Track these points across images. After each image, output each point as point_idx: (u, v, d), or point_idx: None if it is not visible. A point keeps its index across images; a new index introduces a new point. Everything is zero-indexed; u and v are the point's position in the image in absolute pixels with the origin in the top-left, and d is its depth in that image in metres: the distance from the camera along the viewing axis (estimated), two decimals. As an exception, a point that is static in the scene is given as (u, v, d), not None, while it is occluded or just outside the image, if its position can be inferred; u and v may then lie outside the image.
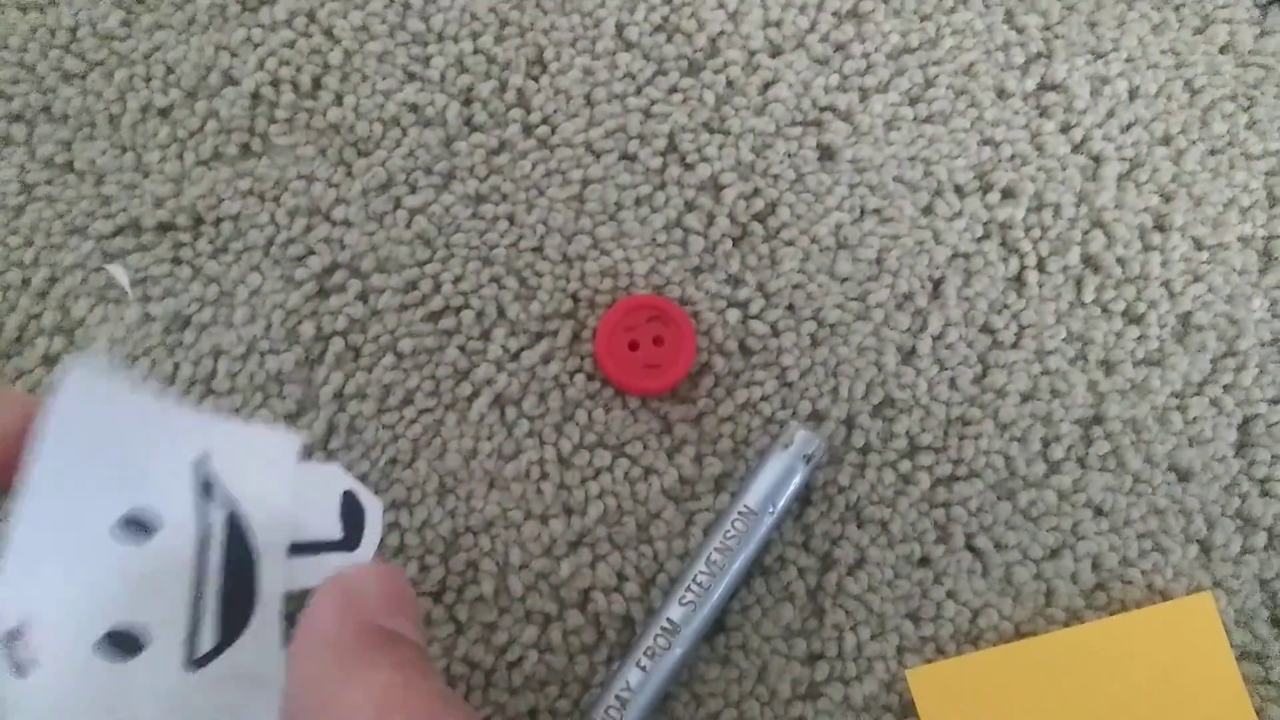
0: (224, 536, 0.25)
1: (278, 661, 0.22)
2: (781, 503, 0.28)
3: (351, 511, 0.27)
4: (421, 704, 0.17)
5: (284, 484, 0.26)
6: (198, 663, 0.22)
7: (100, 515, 0.23)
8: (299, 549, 0.26)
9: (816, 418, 0.29)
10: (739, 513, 0.27)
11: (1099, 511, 0.29)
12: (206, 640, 0.23)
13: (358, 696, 0.17)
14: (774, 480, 0.28)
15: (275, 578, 0.25)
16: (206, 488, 0.25)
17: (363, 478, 0.29)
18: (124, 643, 0.22)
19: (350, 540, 0.27)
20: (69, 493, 0.22)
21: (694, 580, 0.27)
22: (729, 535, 0.27)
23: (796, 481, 0.28)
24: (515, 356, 0.30)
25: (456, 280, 0.30)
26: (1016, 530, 0.29)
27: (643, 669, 0.26)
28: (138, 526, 0.23)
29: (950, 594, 0.29)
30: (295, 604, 0.22)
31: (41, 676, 0.19)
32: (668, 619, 0.27)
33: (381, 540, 0.28)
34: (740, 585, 0.28)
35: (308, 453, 0.29)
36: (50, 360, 0.29)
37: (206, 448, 0.25)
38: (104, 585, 0.22)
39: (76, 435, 0.22)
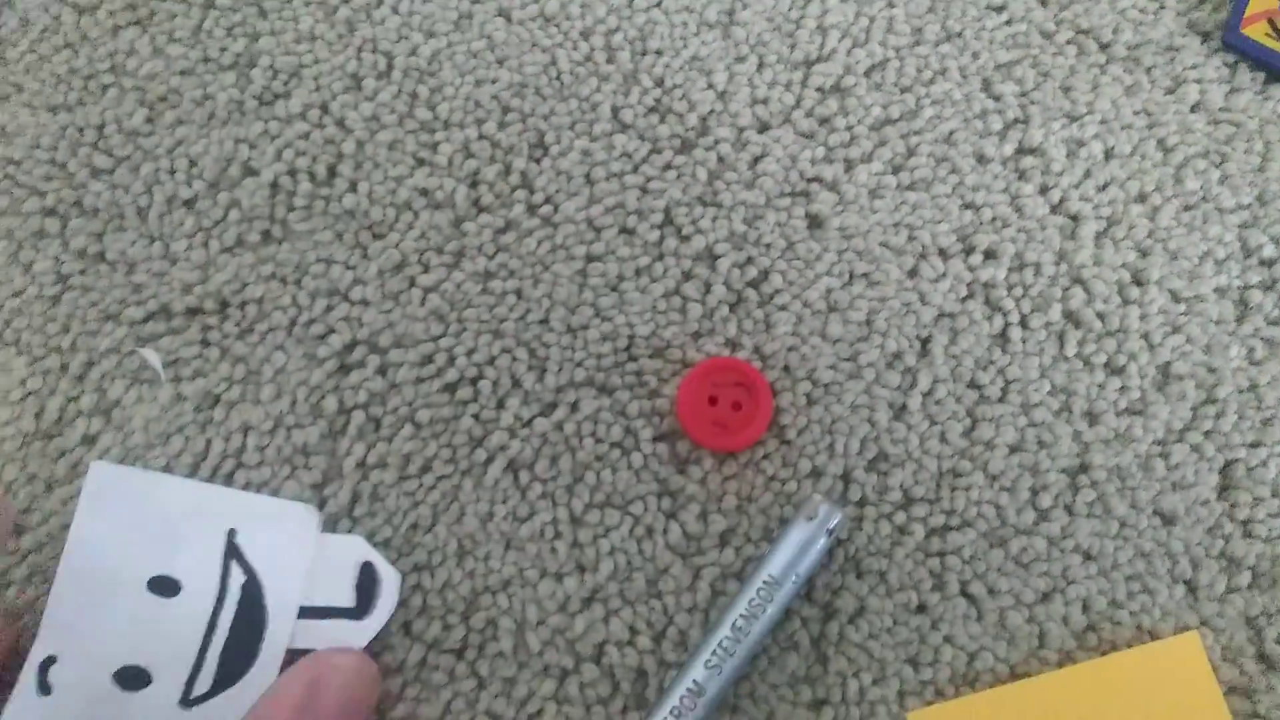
0: (239, 598, 0.31)
1: None
2: (803, 572, 0.31)
3: (367, 582, 0.32)
4: None
5: (303, 552, 0.32)
6: (191, 702, 0.29)
7: (133, 575, 0.30)
8: (309, 612, 0.31)
9: (815, 474, 0.33)
10: (764, 582, 0.31)
11: (1087, 556, 0.33)
12: (203, 684, 0.30)
13: None
14: (796, 551, 0.31)
15: (281, 637, 0.31)
16: (231, 556, 0.31)
17: (385, 543, 0.33)
18: (133, 677, 0.29)
19: (360, 609, 0.32)
20: (105, 558, 0.29)
21: (719, 645, 0.31)
22: (753, 603, 0.31)
23: (817, 552, 0.32)
24: (528, 424, 0.34)
25: (469, 353, 0.34)
26: (1008, 576, 0.33)
27: (668, 729, 0.30)
28: (165, 585, 0.30)
29: (947, 639, 0.32)
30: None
31: (57, 697, 0.27)
32: (694, 681, 0.30)
33: (403, 603, 0.32)
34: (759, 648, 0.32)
35: (332, 524, 0.33)
36: (90, 440, 0.34)
37: (235, 522, 0.32)
38: (126, 631, 0.29)
39: (108, 514, 0.30)
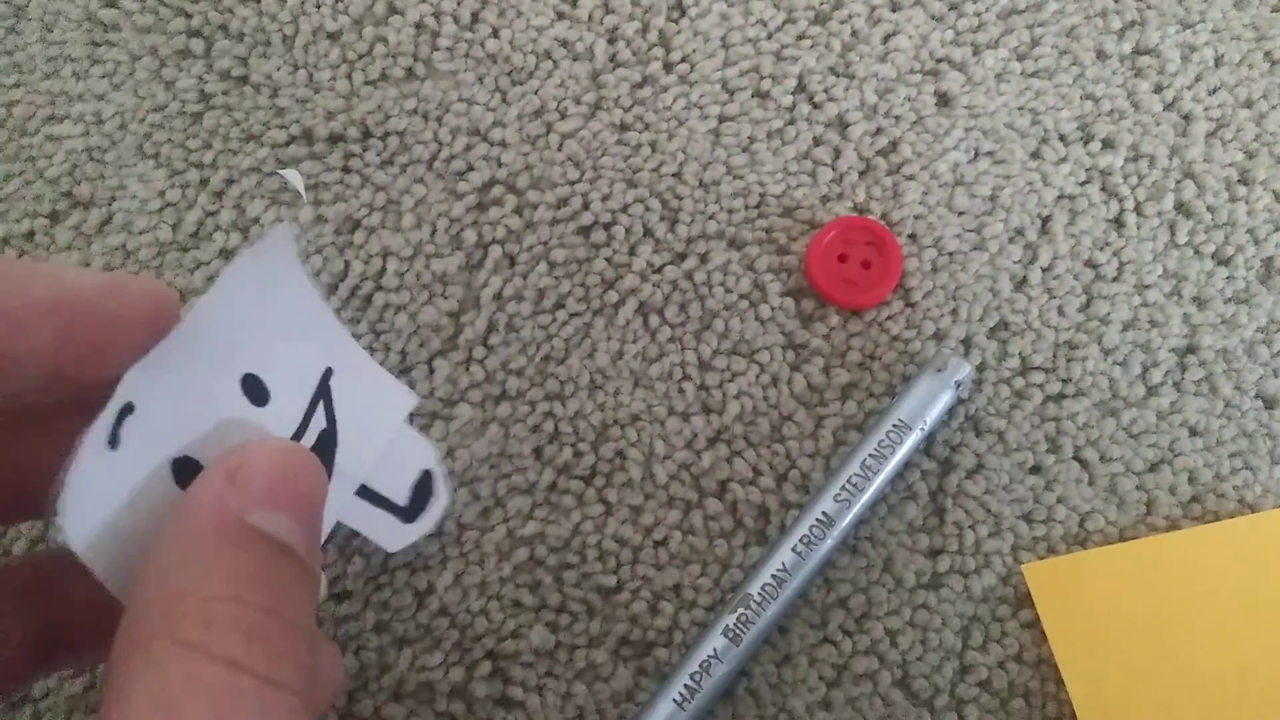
0: (312, 445, 0.27)
1: None
2: (930, 420, 0.33)
3: (423, 489, 0.31)
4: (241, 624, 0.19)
5: (382, 433, 0.30)
6: None
7: (239, 359, 0.25)
8: (365, 493, 0.30)
9: (938, 337, 0.35)
10: (894, 425, 0.32)
11: (1194, 432, 0.35)
12: None
13: (188, 603, 0.19)
14: (923, 400, 0.33)
15: (335, 505, 0.28)
16: (321, 396, 0.28)
17: (519, 372, 0.34)
18: (185, 470, 0.24)
19: (410, 511, 0.31)
20: (228, 326, 0.24)
21: (849, 480, 0.32)
22: (882, 444, 0.32)
23: (945, 402, 0.33)
24: (659, 270, 0.35)
25: (604, 199, 0.36)
26: (1120, 445, 0.34)
27: (798, 554, 0.31)
28: (257, 390, 0.26)
29: (1060, 499, 0.34)
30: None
31: (122, 455, 0.21)
32: (823, 512, 0.32)
33: (536, 429, 0.33)
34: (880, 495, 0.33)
35: (468, 350, 0.34)
36: (227, 253, 0.34)
37: (335, 365, 0.28)
38: (203, 416, 0.24)
39: (260, 279, 0.24)
